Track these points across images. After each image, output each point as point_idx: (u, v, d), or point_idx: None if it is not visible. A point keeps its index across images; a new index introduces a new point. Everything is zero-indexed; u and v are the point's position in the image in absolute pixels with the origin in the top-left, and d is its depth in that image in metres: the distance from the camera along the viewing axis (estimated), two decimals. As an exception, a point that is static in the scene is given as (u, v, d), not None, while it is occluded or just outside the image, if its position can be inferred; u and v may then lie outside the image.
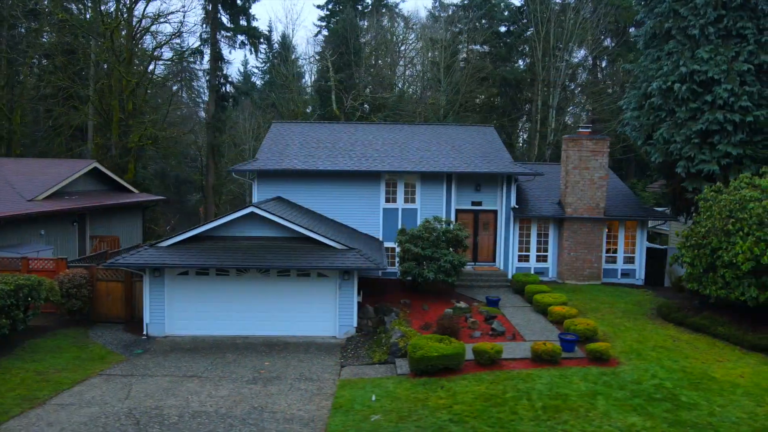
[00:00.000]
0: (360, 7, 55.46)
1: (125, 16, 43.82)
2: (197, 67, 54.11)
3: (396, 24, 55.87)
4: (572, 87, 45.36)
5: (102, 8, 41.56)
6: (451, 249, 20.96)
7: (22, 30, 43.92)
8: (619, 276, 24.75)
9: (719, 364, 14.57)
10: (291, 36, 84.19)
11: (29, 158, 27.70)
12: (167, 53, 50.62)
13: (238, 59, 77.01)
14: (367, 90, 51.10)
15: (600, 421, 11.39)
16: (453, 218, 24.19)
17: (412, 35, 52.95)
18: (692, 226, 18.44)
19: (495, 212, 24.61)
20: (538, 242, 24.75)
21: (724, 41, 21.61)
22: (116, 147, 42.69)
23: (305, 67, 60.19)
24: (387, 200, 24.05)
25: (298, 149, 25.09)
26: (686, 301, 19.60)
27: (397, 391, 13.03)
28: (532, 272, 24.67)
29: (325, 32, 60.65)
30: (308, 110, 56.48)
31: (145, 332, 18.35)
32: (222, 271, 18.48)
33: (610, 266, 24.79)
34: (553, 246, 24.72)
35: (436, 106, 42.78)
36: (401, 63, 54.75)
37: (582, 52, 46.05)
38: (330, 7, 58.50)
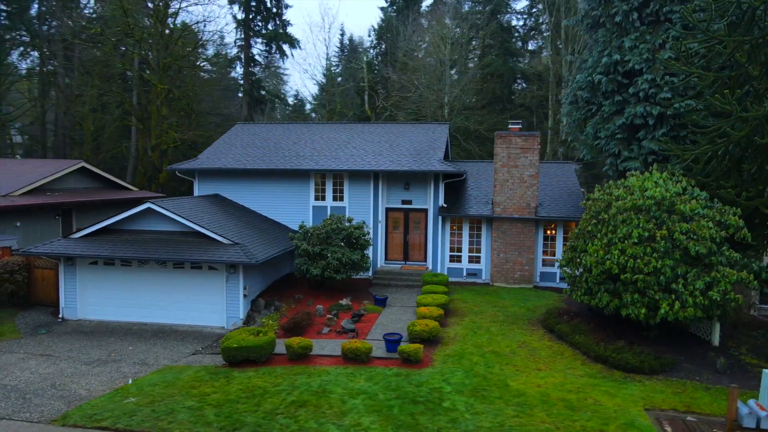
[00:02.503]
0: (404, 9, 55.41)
1: (159, 29, 47.52)
2: (232, 73, 57.47)
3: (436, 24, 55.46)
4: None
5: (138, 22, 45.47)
6: (356, 247, 21.08)
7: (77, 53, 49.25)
8: (557, 280, 23.41)
9: (535, 373, 13.70)
10: (328, 39, 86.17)
11: (27, 159, 31.29)
12: (205, 54, 54.06)
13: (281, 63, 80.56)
14: (396, 94, 51.38)
15: (331, 418, 11.35)
16: (382, 217, 24.22)
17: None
18: (573, 228, 17.24)
19: (425, 211, 24.27)
20: (471, 242, 24.05)
21: (652, 27, 19.88)
22: (152, 149, 46.68)
23: (339, 68, 61.61)
24: (316, 198, 24.57)
25: (241, 149, 26.29)
26: (580, 308, 18.32)
27: (184, 378, 13.69)
28: (465, 274, 24.05)
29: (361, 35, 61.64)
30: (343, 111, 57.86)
31: (60, 315, 20.36)
32: (126, 262, 20.05)
33: (548, 270, 23.51)
34: (486, 247, 23.92)
35: (440, 103, 42.29)
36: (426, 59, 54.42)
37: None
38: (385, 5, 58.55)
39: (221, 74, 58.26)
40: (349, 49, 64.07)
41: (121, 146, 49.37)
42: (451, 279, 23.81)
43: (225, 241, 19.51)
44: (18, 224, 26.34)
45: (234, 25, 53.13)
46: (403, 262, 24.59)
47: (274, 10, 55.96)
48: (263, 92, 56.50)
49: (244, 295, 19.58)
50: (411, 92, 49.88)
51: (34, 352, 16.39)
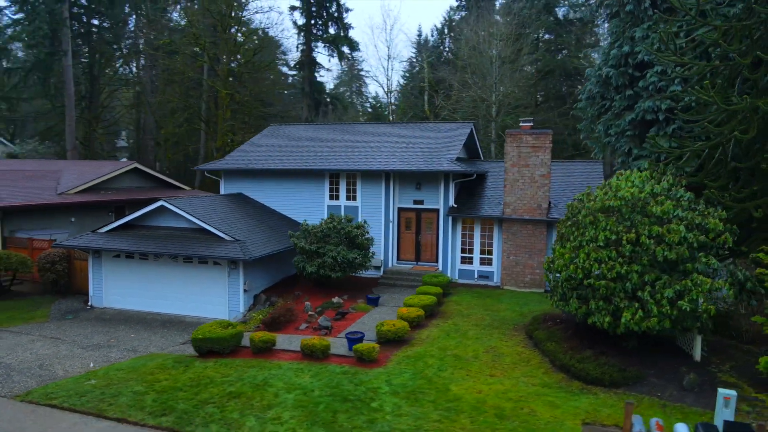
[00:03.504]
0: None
1: (227, 38, 50.18)
2: (294, 75, 59.47)
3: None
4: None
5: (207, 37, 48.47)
6: (358, 246, 21.29)
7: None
8: (573, 285, 22.22)
9: (484, 378, 13.23)
10: (389, 40, 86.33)
11: (89, 161, 34.29)
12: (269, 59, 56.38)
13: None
14: (456, 93, 50.91)
15: (256, 411, 11.67)
16: (394, 216, 24.23)
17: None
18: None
19: (437, 211, 23.97)
20: (482, 244, 23.43)
21: (667, 14, 18.42)
22: (217, 150, 49.59)
23: (397, 68, 61.80)
24: (331, 197, 25.02)
25: (266, 150, 27.32)
26: (568, 315, 17.35)
27: (148, 365, 14.58)
28: (476, 276, 23.50)
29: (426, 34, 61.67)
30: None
31: (89, 303, 22.28)
32: (143, 256, 21.59)
33: (563, 274, 22.37)
34: (497, 249, 23.21)
35: (489, 101, 41.37)
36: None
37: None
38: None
39: (285, 78, 60.56)
40: (418, 46, 64.11)
41: (188, 148, 52.78)
42: (461, 281, 23.37)
43: (227, 237, 20.43)
44: (73, 219, 29.01)
45: (295, 30, 54.80)
46: (415, 263, 24.43)
47: (336, 14, 57.33)
48: (325, 95, 58.00)
49: (245, 290, 20.39)
50: (467, 92, 49.19)
51: (47, 335, 18.08)
